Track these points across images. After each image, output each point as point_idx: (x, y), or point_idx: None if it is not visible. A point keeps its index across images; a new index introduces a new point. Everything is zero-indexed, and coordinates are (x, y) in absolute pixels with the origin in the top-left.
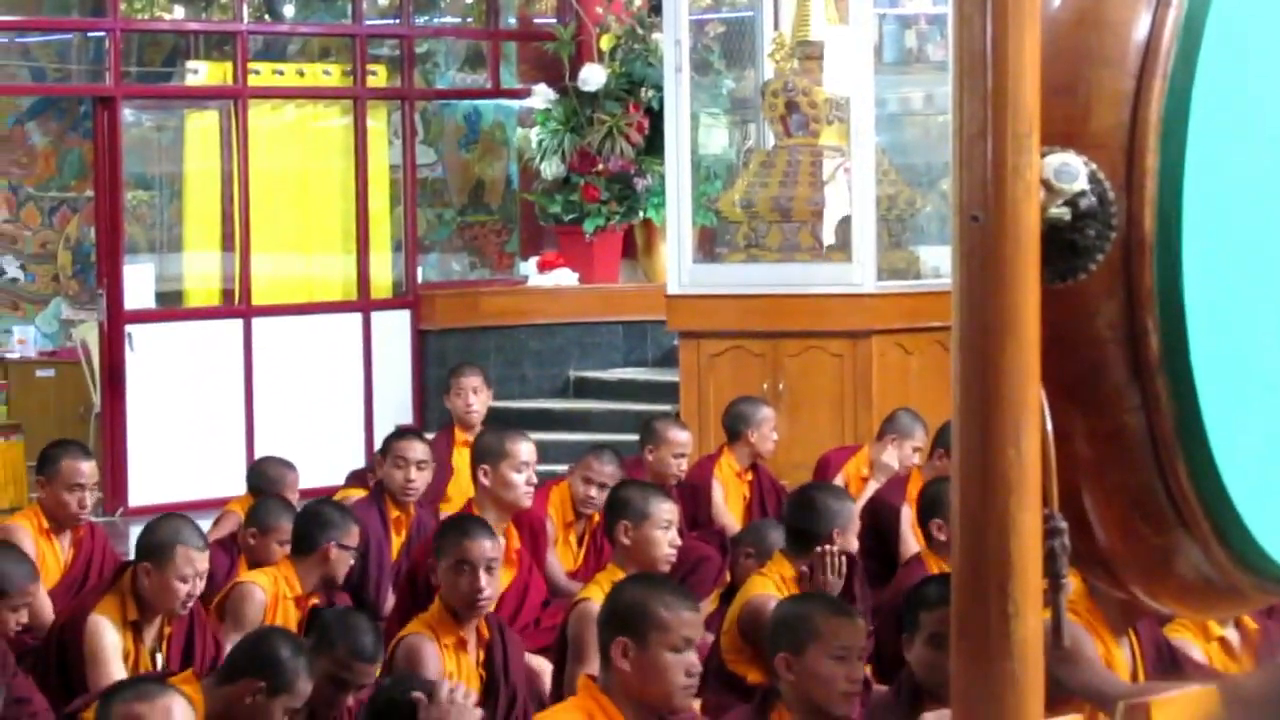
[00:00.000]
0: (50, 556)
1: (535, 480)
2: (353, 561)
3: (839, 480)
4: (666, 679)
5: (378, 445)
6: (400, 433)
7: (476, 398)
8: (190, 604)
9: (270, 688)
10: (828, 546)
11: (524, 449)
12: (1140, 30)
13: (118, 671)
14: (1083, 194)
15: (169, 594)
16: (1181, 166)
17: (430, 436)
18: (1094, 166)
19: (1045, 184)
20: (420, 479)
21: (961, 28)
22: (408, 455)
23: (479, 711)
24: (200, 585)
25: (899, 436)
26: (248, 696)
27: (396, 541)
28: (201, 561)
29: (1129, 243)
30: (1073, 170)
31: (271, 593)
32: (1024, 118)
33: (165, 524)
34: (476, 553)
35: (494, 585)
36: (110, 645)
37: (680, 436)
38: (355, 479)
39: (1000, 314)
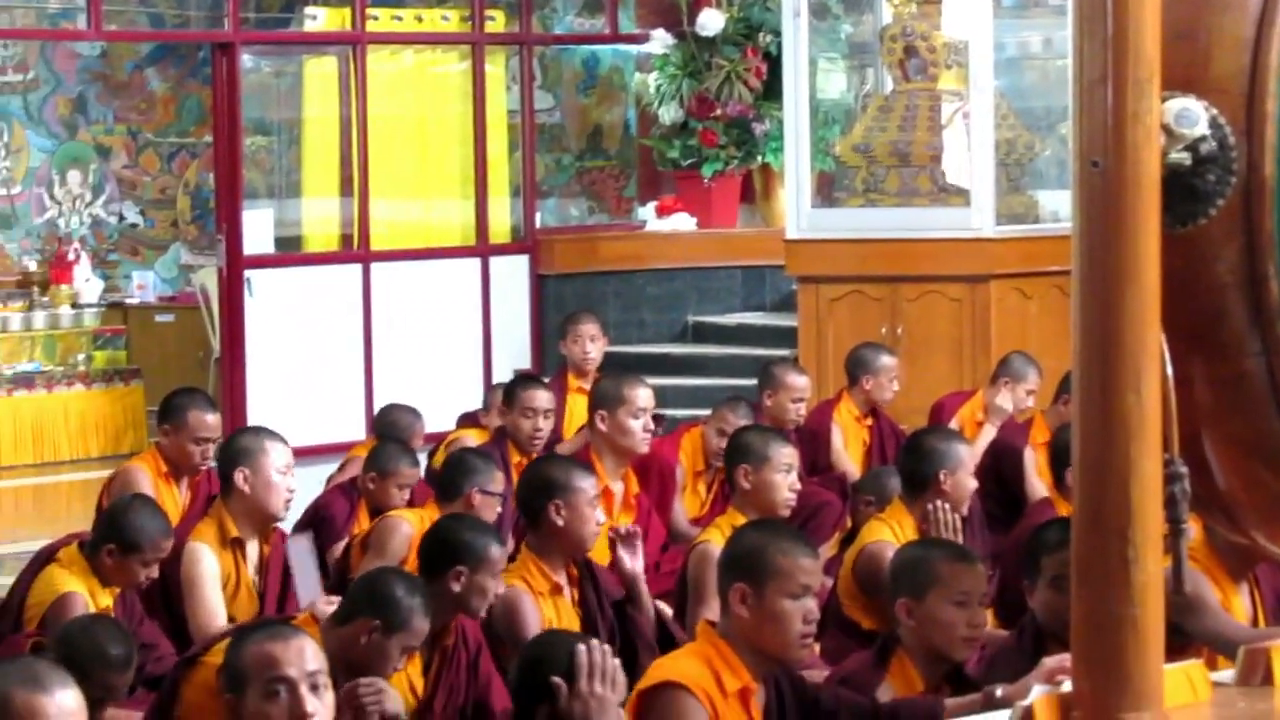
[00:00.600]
0: (169, 501)
1: (652, 426)
2: (500, 508)
3: (953, 425)
4: (784, 625)
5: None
6: (525, 381)
7: (594, 345)
8: (290, 503)
9: (385, 626)
10: (937, 503)
11: (642, 395)
12: None
13: (214, 596)
14: (1203, 139)
15: (272, 491)
16: None
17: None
18: (1214, 111)
19: (1165, 129)
20: (546, 427)
21: None
22: (535, 405)
23: (618, 705)
24: (294, 483)
25: (1012, 380)
26: (363, 636)
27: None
28: (289, 455)
29: (1249, 188)
30: (1193, 115)
31: (418, 530)
32: (1144, 63)
33: (246, 431)
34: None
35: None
36: (207, 571)
37: (798, 381)
38: (467, 420)
39: (1120, 259)
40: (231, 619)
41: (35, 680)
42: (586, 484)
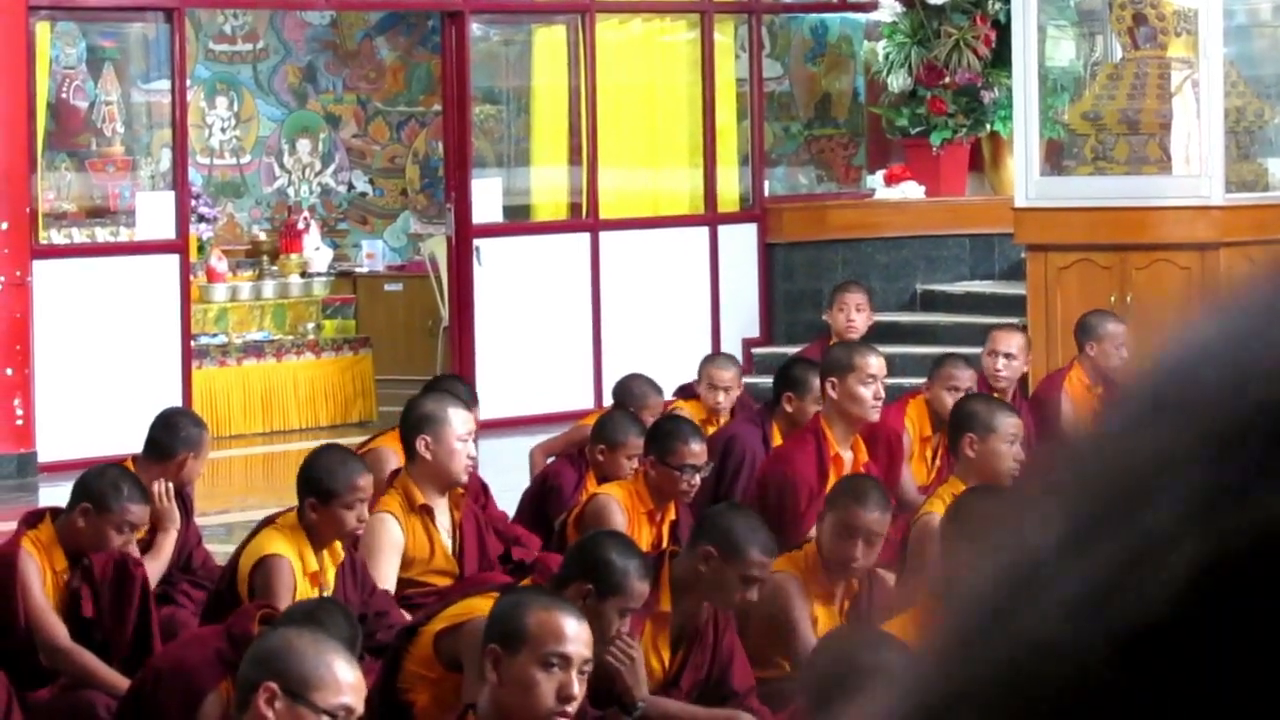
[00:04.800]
0: None
1: (883, 395)
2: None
3: None
4: None
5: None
6: (807, 362)
7: (859, 314)
8: (469, 469)
9: (599, 590)
10: None
11: (873, 362)
12: None
13: (386, 567)
14: None
15: (454, 458)
16: None
17: (797, 350)
18: None
19: None
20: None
21: None
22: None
23: None
24: (475, 450)
25: None
26: (577, 601)
27: None
28: (472, 421)
29: None
30: None
31: (627, 507)
32: None
33: (426, 397)
34: (863, 521)
35: (871, 555)
36: (387, 541)
37: (1005, 337)
38: (683, 392)
39: None
40: (426, 584)
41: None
42: (859, 520)
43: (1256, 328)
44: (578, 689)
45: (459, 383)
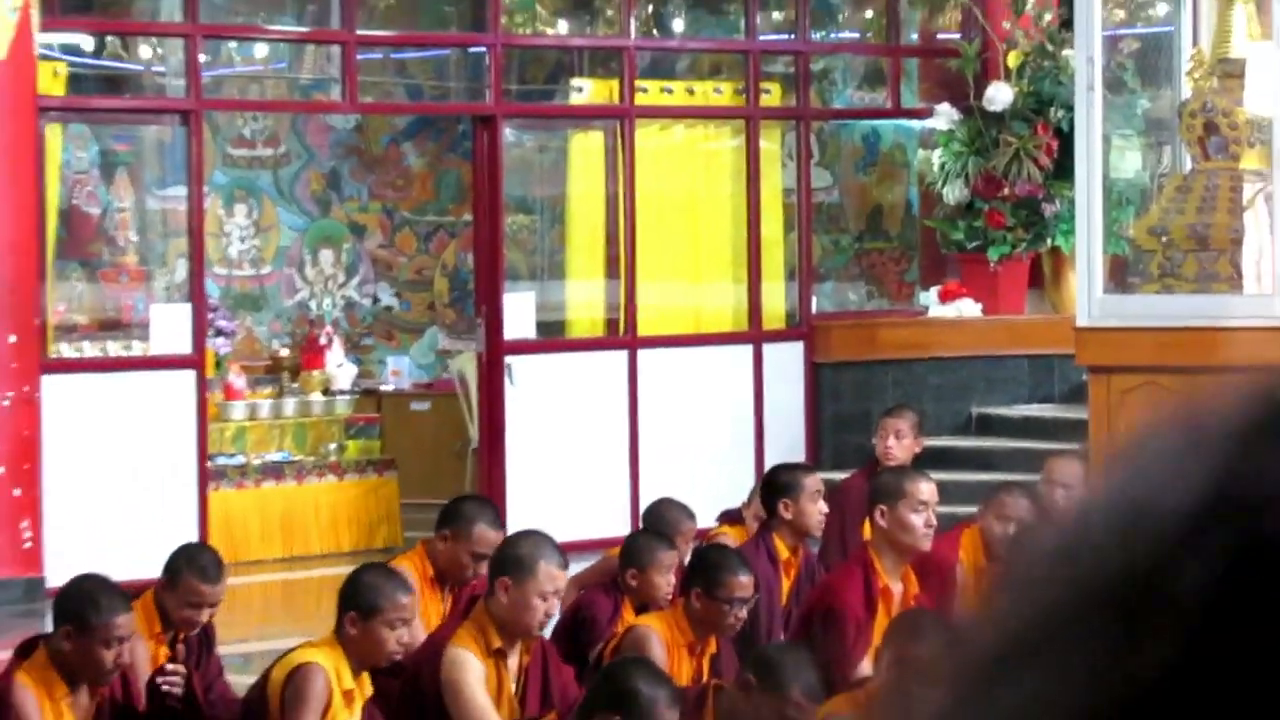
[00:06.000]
0: (431, 607)
1: (935, 522)
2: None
3: None
4: None
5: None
6: (793, 468)
7: (897, 442)
8: (546, 625)
9: None
10: None
11: (924, 488)
12: None
13: (484, 702)
14: None
15: (529, 612)
16: None
17: (844, 477)
18: None
19: None
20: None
21: None
22: (820, 488)
23: None
24: (556, 606)
25: None
26: None
27: (785, 584)
28: (561, 579)
29: None
30: None
31: (666, 640)
32: None
33: (525, 539)
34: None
35: None
36: (474, 678)
37: (1061, 466)
38: (727, 518)
39: None
40: None
41: None
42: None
43: (1145, 483)
44: None
45: (489, 507)
